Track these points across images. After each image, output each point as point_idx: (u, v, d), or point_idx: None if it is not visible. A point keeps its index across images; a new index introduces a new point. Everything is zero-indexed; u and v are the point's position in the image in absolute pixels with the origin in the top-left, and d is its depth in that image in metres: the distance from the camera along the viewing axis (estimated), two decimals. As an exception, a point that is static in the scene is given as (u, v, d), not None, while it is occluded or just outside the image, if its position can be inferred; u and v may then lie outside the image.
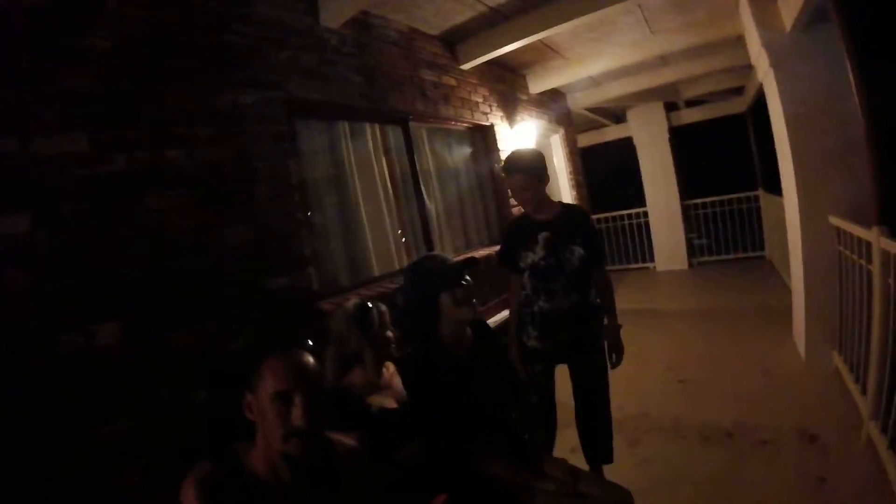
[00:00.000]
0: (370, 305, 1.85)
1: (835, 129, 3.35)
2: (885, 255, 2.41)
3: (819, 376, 3.43)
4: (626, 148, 8.45)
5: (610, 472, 2.48)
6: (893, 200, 2.45)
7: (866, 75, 2.42)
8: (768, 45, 3.50)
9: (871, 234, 2.52)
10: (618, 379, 3.91)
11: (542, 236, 2.32)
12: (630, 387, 3.80)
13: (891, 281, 2.36)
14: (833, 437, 2.70)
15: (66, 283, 1.58)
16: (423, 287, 1.81)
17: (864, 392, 2.73)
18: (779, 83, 3.53)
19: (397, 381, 1.90)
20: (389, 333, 1.88)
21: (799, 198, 3.61)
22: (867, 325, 2.73)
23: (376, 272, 3.18)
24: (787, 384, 3.46)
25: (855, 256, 2.86)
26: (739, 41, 4.25)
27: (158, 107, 1.92)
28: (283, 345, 1.22)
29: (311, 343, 1.26)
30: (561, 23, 3.51)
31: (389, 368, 1.91)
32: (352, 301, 1.90)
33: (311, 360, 1.22)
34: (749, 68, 4.96)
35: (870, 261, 2.61)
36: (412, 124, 3.63)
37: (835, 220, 3.22)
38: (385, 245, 3.34)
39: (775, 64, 3.51)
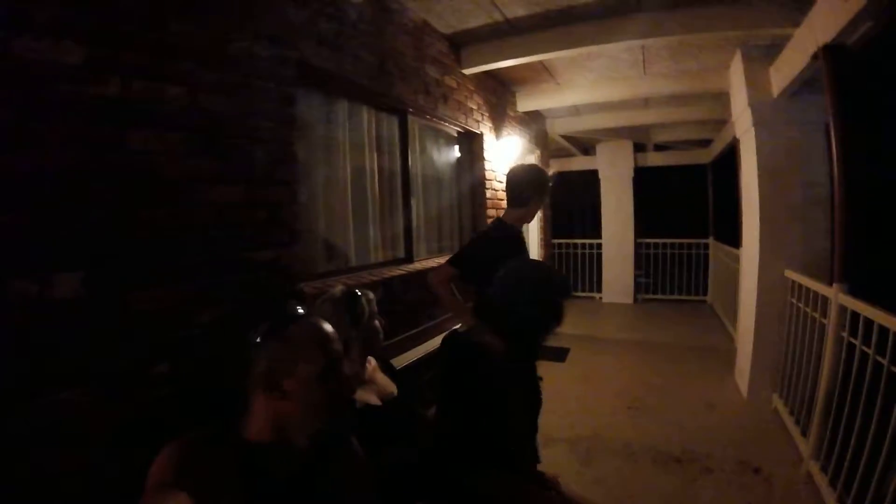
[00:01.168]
0: (359, 293, 1.79)
1: (799, 188, 3.64)
2: (841, 310, 2.63)
3: (760, 414, 3.67)
4: (589, 180, 8.76)
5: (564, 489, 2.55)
6: (854, 261, 2.67)
7: (848, 144, 2.65)
8: (754, 106, 3.78)
9: (831, 291, 2.74)
10: (570, 399, 4.09)
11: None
12: (582, 408, 3.94)
13: (845, 335, 2.57)
14: (775, 470, 2.89)
15: (26, 216, 1.36)
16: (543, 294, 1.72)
17: (804, 433, 2.95)
18: (758, 141, 3.80)
19: (380, 377, 1.86)
20: (377, 323, 1.82)
21: (760, 249, 3.87)
22: (812, 372, 2.96)
23: (353, 262, 3.13)
24: (730, 419, 3.68)
25: (809, 309, 3.09)
26: (721, 96, 4.53)
27: (166, 35, 1.73)
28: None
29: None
30: (571, 48, 3.63)
31: (371, 363, 1.86)
32: (339, 287, 1.83)
33: (328, 326, 1.22)
34: (720, 123, 5.30)
35: (824, 314, 2.83)
36: (410, 117, 3.63)
37: (790, 274, 3.48)
38: (365, 237, 3.29)
39: (757, 123, 3.78)
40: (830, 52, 2.72)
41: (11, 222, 1.33)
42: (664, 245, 8.47)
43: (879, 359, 2.16)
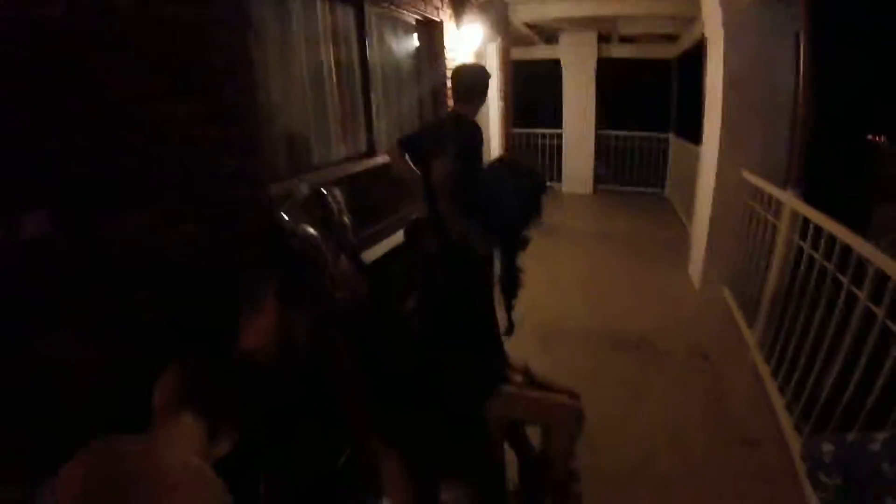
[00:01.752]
0: (325, 192, 1.82)
1: (765, 94, 3.66)
2: (794, 214, 2.78)
3: (711, 306, 3.98)
4: (549, 69, 8.53)
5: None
6: (809, 169, 2.79)
7: (816, 55, 2.65)
8: (726, 9, 3.67)
9: (785, 195, 2.88)
10: (531, 286, 4.27)
11: None
12: (543, 296, 4.15)
13: (795, 237, 2.75)
14: (723, 358, 3.22)
15: None
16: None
17: (750, 326, 3.24)
18: (727, 44, 3.74)
19: (351, 274, 1.92)
20: (346, 219, 1.88)
21: (720, 150, 3.97)
22: (763, 270, 3.19)
23: (316, 160, 3.09)
24: (683, 309, 4.00)
25: (763, 211, 3.26)
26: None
27: None
28: None
29: None
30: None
31: (343, 262, 1.90)
32: (303, 188, 1.86)
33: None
34: (689, 21, 5.12)
35: (777, 217, 3.00)
36: (366, 7, 3.39)
37: (748, 176, 3.60)
38: (326, 133, 3.24)
39: (727, 26, 3.70)
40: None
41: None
42: (625, 138, 8.53)
43: (825, 263, 2.34)
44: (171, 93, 1.80)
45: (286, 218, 1.62)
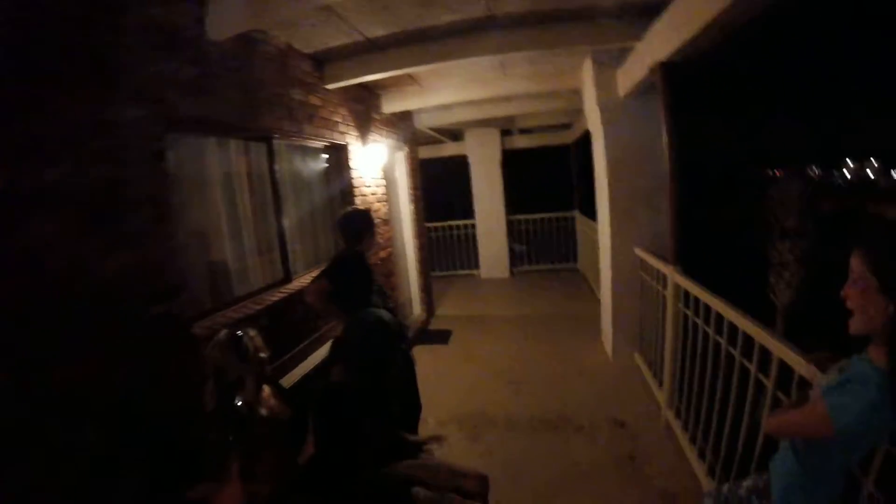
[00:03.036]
0: (240, 334, 2.02)
1: (645, 176, 4.21)
2: (677, 287, 3.18)
3: (624, 373, 4.29)
4: (459, 164, 9.20)
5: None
6: (684, 247, 3.22)
7: (677, 149, 3.17)
8: (602, 105, 4.30)
9: (668, 269, 3.29)
10: (455, 380, 4.47)
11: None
12: (467, 387, 4.34)
13: (680, 305, 3.13)
14: (638, 422, 3.46)
15: None
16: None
17: (660, 386, 3.53)
18: (606, 135, 4.34)
19: (273, 402, 2.10)
20: (263, 355, 2.06)
21: (612, 228, 4.46)
22: (661, 334, 3.54)
23: (237, 292, 3.16)
24: (599, 380, 4.27)
25: (654, 283, 3.67)
26: (575, 91, 5.02)
27: (39, 124, 1.74)
28: None
29: None
30: (429, 63, 3.83)
31: (265, 390, 2.10)
32: (223, 332, 2.04)
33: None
34: (579, 111, 5.84)
35: (666, 287, 3.39)
36: (276, 141, 3.64)
37: (639, 252, 4.06)
38: (244, 265, 3.33)
39: (605, 119, 4.31)
40: (664, 68, 3.17)
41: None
42: (534, 221, 9.20)
43: (705, 327, 2.69)
44: (104, 250, 1.93)
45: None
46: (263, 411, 2.00)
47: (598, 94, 4.31)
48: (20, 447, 1.53)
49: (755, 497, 1.54)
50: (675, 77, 3.15)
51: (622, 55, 4.04)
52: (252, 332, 2.07)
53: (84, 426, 1.73)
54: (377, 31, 3.57)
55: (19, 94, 1.69)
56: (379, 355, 2.01)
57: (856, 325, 1.21)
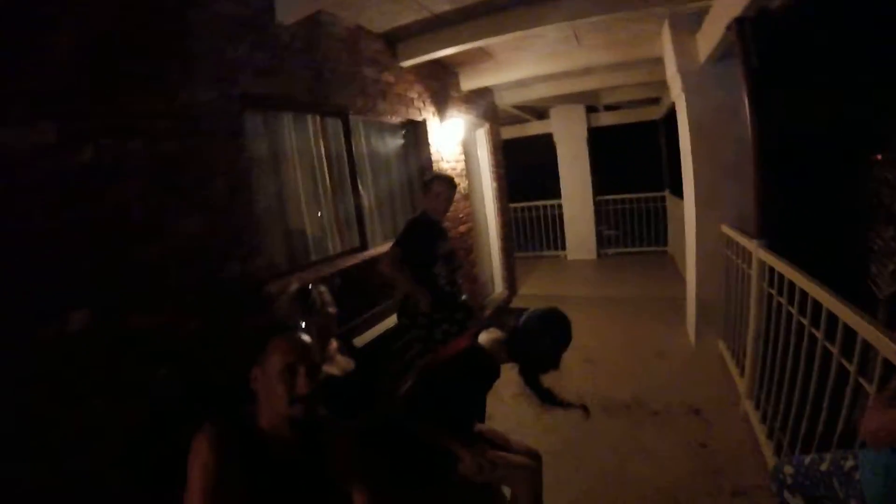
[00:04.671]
0: (311, 287, 2.09)
1: (731, 148, 3.86)
2: (761, 263, 2.90)
3: (706, 359, 4.00)
4: (545, 143, 8.96)
5: (522, 434, 2.87)
6: (771, 219, 2.93)
7: (759, 110, 2.87)
8: (683, 71, 3.98)
9: (752, 245, 3.01)
10: None
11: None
12: None
13: (764, 284, 2.85)
14: (714, 411, 3.22)
15: (40, 274, 1.63)
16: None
17: (742, 374, 3.26)
18: (688, 104, 4.02)
19: (339, 357, 2.18)
20: (331, 310, 2.12)
21: (696, 204, 4.15)
22: (745, 317, 3.26)
23: (313, 257, 3.34)
24: (678, 365, 4.02)
25: (739, 261, 3.37)
26: (658, 61, 4.70)
27: (124, 102, 1.96)
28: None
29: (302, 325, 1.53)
30: (499, 34, 3.75)
31: (333, 344, 2.18)
32: (293, 285, 2.13)
33: (307, 337, 1.47)
34: (664, 84, 5.47)
35: (751, 266, 3.11)
36: (351, 117, 3.75)
37: (725, 229, 3.75)
38: (322, 231, 3.52)
39: (686, 88, 3.99)
40: (739, 24, 2.90)
41: (28, 276, 1.61)
42: (623, 200, 8.78)
43: (790, 309, 2.43)
44: (181, 213, 2.15)
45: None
46: (330, 365, 2.09)
47: (678, 61, 3.99)
48: (94, 383, 1.73)
49: (836, 480, 1.39)
50: (757, 36, 2.84)
51: (700, 17, 3.71)
52: (322, 288, 2.15)
53: (159, 367, 1.95)
54: (444, 7, 3.55)
55: (111, 77, 1.92)
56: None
57: None
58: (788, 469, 1.58)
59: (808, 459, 1.55)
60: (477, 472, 1.94)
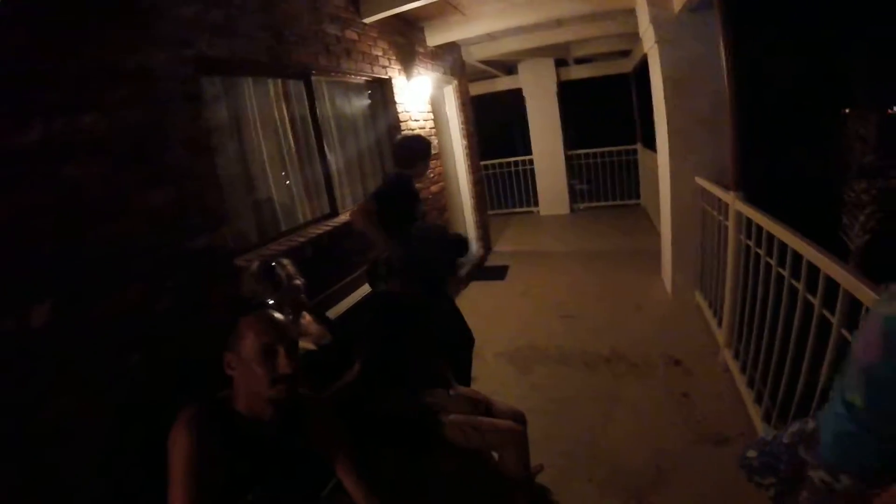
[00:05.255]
0: (273, 263, 2.08)
1: (705, 98, 3.82)
2: (738, 215, 2.90)
3: (683, 311, 4.06)
4: (515, 98, 8.80)
5: (505, 395, 2.91)
6: (747, 170, 2.92)
7: (736, 60, 2.81)
8: (656, 22, 3.89)
9: (729, 197, 3.00)
10: (509, 314, 4.43)
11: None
12: (520, 322, 4.27)
13: (741, 236, 2.86)
14: (694, 361, 3.28)
15: None
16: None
17: (720, 325, 3.32)
18: (661, 55, 3.94)
19: (314, 328, 2.21)
20: (297, 282, 2.11)
21: (670, 156, 4.13)
22: (722, 268, 3.29)
23: (283, 227, 3.24)
24: (656, 317, 4.08)
25: (715, 213, 3.38)
26: (631, 12, 4.57)
27: (72, 70, 1.79)
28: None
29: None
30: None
31: (306, 316, 2.20)
32: (255, 262, 2.12)
33: (279, 315, 1.41)
34: (637, 36, 5.36)
35: (727, 218, 3.11)
36: (314, 78, 3.59)
37: (700, 181, 3.74)
38: (290, 200, 3.41)
39: (660, 39, 3.90)
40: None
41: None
42: (595, 154, 8.74)
43: (768, 259, 2.44)
44: (141, 187, 2.00)
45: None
46: (304, 339, 2.09)
47: (651, 10, 3.88)
48: (62, 380, 1.61)
49: (802, 446, 1.39)
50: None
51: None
52: (284, 261, 2.12)
53: (130, 356, 1.84)
54: (408, -45, 3.34)
55: (51, 44, 1.73)
56: (444, 271, 2.21)
57: None
58: (752, 453, 1.57)
59: (770, 436, 1.55)
60: (462, 439, 1.94)
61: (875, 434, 1.10)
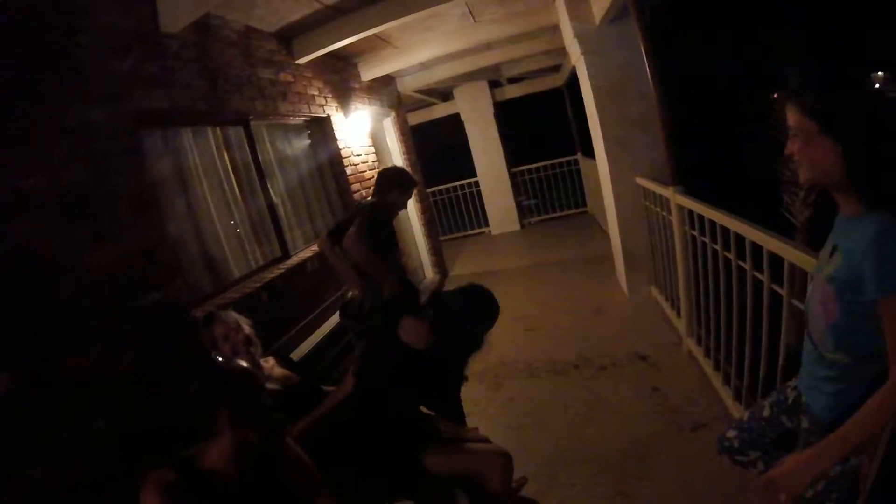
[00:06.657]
0: (213, 315, 2.19)
1: (637, 103, 4.02)
2: (680, 208, 3.04)
3: (642, 308, 4.19)
4: (454, 124, 8.99)
5: (479, 415, 2.97)
6: (683, 165, 3.07)
7: (657, 59, 2.98)
8: (580, 36, 4.09)
9: (668, 192, 3.15)
10: None
11: None
12: (490, 343, 4.25)
13: (686, 228, 3.00)
14: (660, 354, 3.37)
15: None
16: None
17: (679, 316, 3.43)
18: (588, 66, 4.13)
19: (278, 371, 2.26)
20: (247, 329, 2.20)
21: (609, 161, 4.30)
22: (672, 261, 3.42)
23: (236, 274, 3.18)
24: (617, 318, 4.19)
25: (658, 209, 3.53)
26: (556, 29, 4.79)
27: (15, 128, 1.76)
28: None
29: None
30: (395, 19, 3.65)
31: (269, 361, 2.27)
32: (201, 315, 2.20)
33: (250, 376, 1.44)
34: (565, 50, 5.61)
35: (670, 212, 3.25)
36: (253, 123, 3.57)
37: (640, 181, 3.91)
38: (239, 246, 3.36)
39: (586, 51, 4.10)
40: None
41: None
42: (537, 169, 9.00)
43: (714, 246, 2.56)
44: (90, 245, 1.94)
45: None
46: (270, 382, 2.12)
47: (574, 25, 4.08)
48: (29, 448, 1.54)
49: (784, 416, 1.43)
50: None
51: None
52: (229, 313, 2.21)
53: (96, 418, 1.76)
54: (333, -3, 3.41)
55: None
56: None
57: (805, 175, 1.15)
58: (731, 433, 1.58)
59: (746, 415, 1.59)
60: (447, 459, 1.93)
61: (863, 382, 1.15)
